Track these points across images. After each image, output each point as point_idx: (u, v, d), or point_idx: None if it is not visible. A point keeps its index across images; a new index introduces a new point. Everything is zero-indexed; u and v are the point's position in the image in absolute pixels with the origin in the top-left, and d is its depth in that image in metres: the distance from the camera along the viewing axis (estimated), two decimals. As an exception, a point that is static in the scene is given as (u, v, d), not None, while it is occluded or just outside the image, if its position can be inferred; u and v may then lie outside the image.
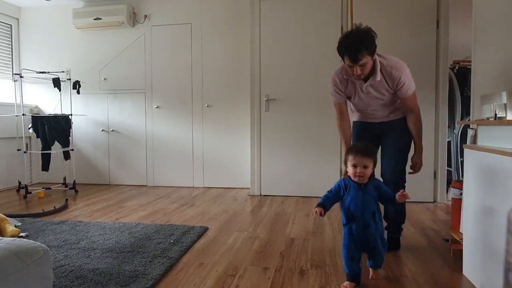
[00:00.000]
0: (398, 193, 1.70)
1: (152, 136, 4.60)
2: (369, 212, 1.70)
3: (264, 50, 3.97)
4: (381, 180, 1.95)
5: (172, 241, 2.40)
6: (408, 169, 2.24)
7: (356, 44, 1.88)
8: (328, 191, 1.80)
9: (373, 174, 1.76)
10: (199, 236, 2.54)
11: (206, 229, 2.71)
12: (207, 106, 4.44)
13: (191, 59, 4.45)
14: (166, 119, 4.56)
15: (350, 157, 1.73)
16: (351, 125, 2.36)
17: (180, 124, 4.53)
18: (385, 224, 1.92)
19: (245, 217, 3.10)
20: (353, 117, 2.41)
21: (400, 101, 2.15)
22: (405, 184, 2.24)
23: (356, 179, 1.70)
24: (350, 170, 1.73)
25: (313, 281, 1.85)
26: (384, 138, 2.28)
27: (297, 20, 3.91)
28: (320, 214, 1.71)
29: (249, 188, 4.16)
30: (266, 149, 4.02)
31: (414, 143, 2.22)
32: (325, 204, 1.76)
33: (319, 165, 3.91)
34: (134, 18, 4.56)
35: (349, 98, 2.25)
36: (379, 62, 2.01)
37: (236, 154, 4.39)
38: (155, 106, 4.57)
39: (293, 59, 3.92)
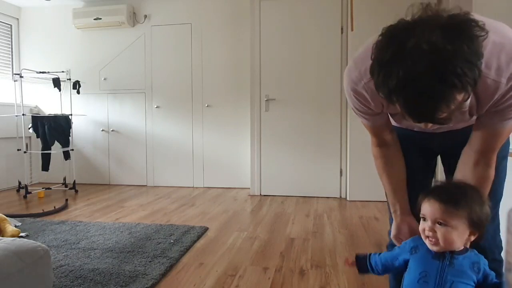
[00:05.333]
0: None
1: (152, 136, 4.60)
2: None
3: (264, 50, 3.97)
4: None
5: (172, 241, 2.40)
6: None
7: (434, 79, 0.70)
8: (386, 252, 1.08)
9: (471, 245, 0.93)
10: (199, 236, 2.54)
11: (206, 229, 2.71)
12: (207, 106, 4.44)
13: (191, 59, 4.45)
14: (166, 119, 4.56)
15: (422, 202, 0.94)
16: None
17: (180, 124, 4.53)
18: None
19: (245, 217, 3.10)
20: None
21: (477, 130, 1.00)
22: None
23: (427, 242, 0.93)
24: (420, 225, 0.95)
25: (313, 281, 1.84)
26: (450, 154, 1.15)
27: (297, 20, 3.91)
28: (350, 264, 1.08)
29: (249, 188, 4.16)
30: (266, 149, 4.02)
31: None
32: (370, 260, 1.06)
33: (319, 165, 3.91)
34: (134, 18, 4.56)
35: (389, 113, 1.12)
36: None
37: (236, 154, 4.39)
38: (155, 106, 4.57)
39: (293, 59, 3.92)
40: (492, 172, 1.02)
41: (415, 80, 0.70)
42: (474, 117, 1.02)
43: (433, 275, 0.91)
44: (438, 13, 0.73)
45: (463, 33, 0.71)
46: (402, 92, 0.73)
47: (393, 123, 1.20)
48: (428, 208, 0.91)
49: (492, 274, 0.92)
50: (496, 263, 1.06)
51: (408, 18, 0.75)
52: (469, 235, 0.89)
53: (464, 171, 1.03)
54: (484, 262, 0.91)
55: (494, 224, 1.13)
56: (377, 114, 1.07)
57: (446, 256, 0.91)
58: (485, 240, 1.01)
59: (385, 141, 1.16)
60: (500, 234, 1.19)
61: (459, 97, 0.73)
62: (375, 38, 0.80)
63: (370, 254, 1.07)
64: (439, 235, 0.88)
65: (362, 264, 1.07)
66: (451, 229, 0.87)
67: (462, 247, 0.91)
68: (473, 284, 0.89)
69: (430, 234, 0.90)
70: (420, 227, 0.94)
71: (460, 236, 0.89)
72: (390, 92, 0.75)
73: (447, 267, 0.90)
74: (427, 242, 0.92)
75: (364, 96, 1.01)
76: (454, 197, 0.89)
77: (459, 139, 1.08)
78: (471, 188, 0.92)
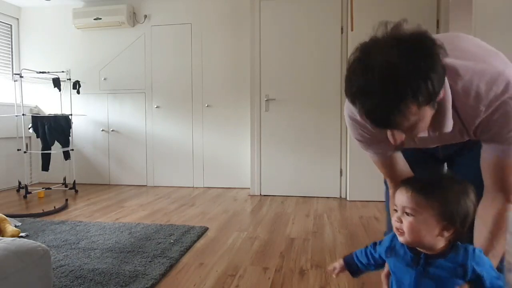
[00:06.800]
0: None
1: (152, 136, 4.60)
2: None
3: (264, 50, 3.97)
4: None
5: (172, 241, 2.40)
6: None
7: (386, 90, 0.77)
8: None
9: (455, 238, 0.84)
10: (199, 236, 2.54)
11: (206, 229, 2.71)
12: (207, 106, 4.44)
13: (191, 59, 4.45)
14: (166, 119, 4.56)
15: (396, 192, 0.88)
16: None
17: (180, 124, 4.53)
18: None
19: (245, 217, 3.10)
20: None
21: (483, 162, 1.01)
22: None
23: (397, 235, 0.86)
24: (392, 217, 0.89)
25: (313, 281, 1.84)
26: (454, 161, 1.22)
27: (297, 20, 3.91)
28: (339, 272, 1.06)
29: (249, 188, 4.16)
30: (266, 149, 4.02)
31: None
32: (353, 261, 1.04)
33: (319, 165, 3.91)
34: (134, 18, 4.56)
35: None
36: (449, 87, 0.88)
37: (236, 154, 4.39)
38: (155, 106, 4.57)
39: (293, 59, 3.92)
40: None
41: (371, 89, 0.78)
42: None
43: (406, 285, 0.83)
44: (400, 32, 0.80)
45: (417, 49, 0.77)
46: (360, 99, 0.81)
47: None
48: (398, 197, 0.84)
49: (489, 277, 0.79)
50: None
51: (378, 35, 0.82)
52: (442, 230, 0.80)
53: (481, 211, 0.95)
54: (476, 260, 0.79)
55: None
56: (381, 141, 1.07)
57: (421, 260, 0.81)
58: None
59: (395, 176, 1.15)
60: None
61: (414, 107, 0.78)
62: None
63: (355, 252, 1.03)
64: (404, 225, 0.81)
65: (351, 264, 1.03)
66: (418, 219, 0.80)
67: (441, 246, 0.82)
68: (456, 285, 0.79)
69: (398, 224, 0.83)
70: (392, 220, 0.86)
71: (428, 230, 0.80)
72: (353, 98, 0.83)
73: (421, 277, 0.81)
74: (397, 234, 0.85)
75: (363, 124, 1.05)
76: (426, 186, 0.82)
77: (462, 145, 1.11)
78: (454, 181, 0.84)
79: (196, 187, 4.46)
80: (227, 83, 4.39)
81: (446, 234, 0.81)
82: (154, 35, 4.53)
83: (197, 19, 4.42)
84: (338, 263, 1.06)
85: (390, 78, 0.76)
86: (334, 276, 1.05)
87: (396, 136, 0.86)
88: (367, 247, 1.01)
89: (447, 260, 0.80)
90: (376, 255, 0.96)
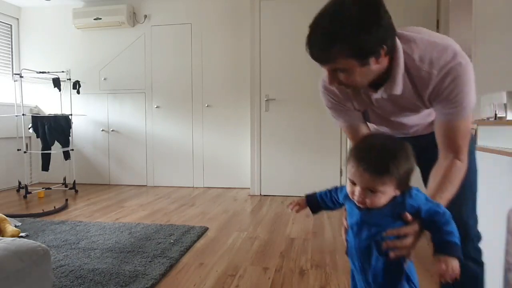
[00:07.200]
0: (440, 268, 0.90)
1: (152, 136, 4.60)
2: (365, 250, 0.97)
3: (264, 50, 3.97)
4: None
5: (172, 241, 2.40)
6: None
7: (325, 31, 0.93)
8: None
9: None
10: (199, 236, 2.54)
11: (206, 229, 2.71)
12: (207, 106, 4.44)
13: (191, 59, 4.45)
14: (166, 119, 4.56)
15: (349, 165, 0.94)
16: None
17: (180, 124, 4.53)
18: None
19: (245, 217, 3.10)
20: None
21: (436, 127, 1.11)
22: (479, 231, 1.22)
23: (355, 200, 0.95)
24: (347, 185, 0.97)
25: (313, 281, 1.85)
26: (427, 151, 1.15)
27: (297, 20, 3.90)
28: (302, 206, 1.17)
29: (249, 188, 4.16)
30: (266, 149, 4.02)
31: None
32: (316, 200, 1.16)
33: (319, 165, 3.91)
34: (134, 18, 4.56)
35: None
36: (404, 52, 1.01)
37: (236, 154, 4.39)
38: (155, 106, 4.57)
39: (293, 59, 3.92)
40: (460, 165, 1.06)
41: (316, 29, 0.95)
42: (430, 116, 1.17)
43: (354, 221, 0.97)
44: None
45: (368, 7, 0.90)
46: (309, 35, 0.96)
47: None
48: (357, 176, 0.91)
49: (426, 207, 0.91)
50: (476, 252, 1.20)
51: None
52: (395, 191, 0.91)
53: (435, 169, 1.09)
54: (413, 198, 0.91)
55: (474, 215, 1.22)
56: (349, 109, 1.23)
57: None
58: (467, 229, 1.14)
59: None
60: (500, 233, 1.30)
61: (339, 53, 0.93)
62: None
63: (319, 193, 1.17)
64: (368, 200, 0.91)
65: (313, 203, 1.16)
66: (380, 194, 0.90)
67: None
68: (396, 218, 0.92)
69: (360, 199, 0.92)
70: (349, 189, 0.95)
71: (386, 198, 0.91)
72: (307, 35, 0.97)
73: (365, 216, 0.94)
74: (357, 203, 0.95)
75: (334, 92, 1.21)
76: (383, 164, 0.88)
77: (430, 139, 1.17)
78: (396, 144, 0.92)
79: (196, 187, 4.46)
80: (227, 83, 4.39)
81: (398, 192, 0.92)
82: (154, 35, 4.53)
83: (197, 19, 4.42)
84: (301, 201, 1.18)
85: (331, 24, 0.91)
86: (292, 210, 1.18)
87: (331, 77, 1.01)
88: (331, 190, 1.15)
89: (387, 206, 0.92)
90: (339, 200, 1.10)
